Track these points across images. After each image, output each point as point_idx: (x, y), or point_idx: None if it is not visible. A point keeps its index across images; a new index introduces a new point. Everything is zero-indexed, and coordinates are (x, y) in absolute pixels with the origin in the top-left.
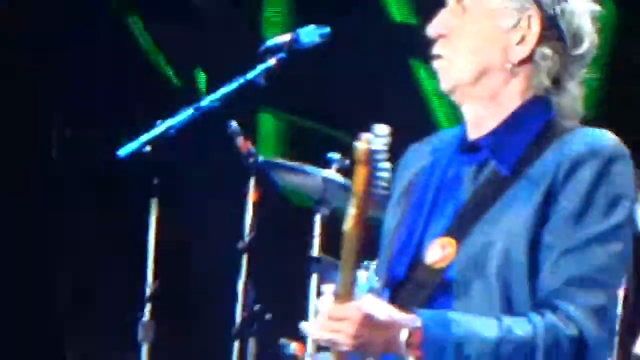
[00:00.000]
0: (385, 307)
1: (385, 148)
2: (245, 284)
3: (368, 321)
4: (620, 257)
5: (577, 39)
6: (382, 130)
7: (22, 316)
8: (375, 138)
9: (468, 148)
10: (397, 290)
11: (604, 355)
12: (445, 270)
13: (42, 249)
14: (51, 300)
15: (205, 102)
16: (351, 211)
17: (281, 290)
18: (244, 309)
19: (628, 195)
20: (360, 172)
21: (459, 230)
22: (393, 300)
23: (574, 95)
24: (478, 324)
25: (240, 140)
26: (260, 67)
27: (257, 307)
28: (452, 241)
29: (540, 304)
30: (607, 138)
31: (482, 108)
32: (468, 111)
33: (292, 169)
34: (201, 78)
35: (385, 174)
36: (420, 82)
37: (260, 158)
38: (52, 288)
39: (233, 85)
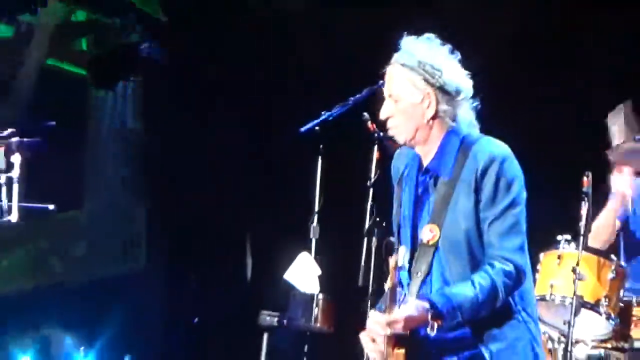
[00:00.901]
0: (411, 305)
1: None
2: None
3: (409, 317)
4: (522, 214)
5: (458, 90)
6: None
7: None
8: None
9: (424, 170)
10: (413, 258)
11: (529, 274)
12: (436, 245)
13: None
14: None
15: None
16: (389, 282)
17: None
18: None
19: (518, 177)
20: (391, 276)
21: (438, 219)
22: (415, 264)
23: (468, 120)
24: (462, 288)
25: (369, 124)
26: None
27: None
28: (435, 226)
29: (489, 257)
30: (498, 146)
31: (422, 147)
32: (417, 150)
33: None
34: None
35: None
36: None
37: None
38: None
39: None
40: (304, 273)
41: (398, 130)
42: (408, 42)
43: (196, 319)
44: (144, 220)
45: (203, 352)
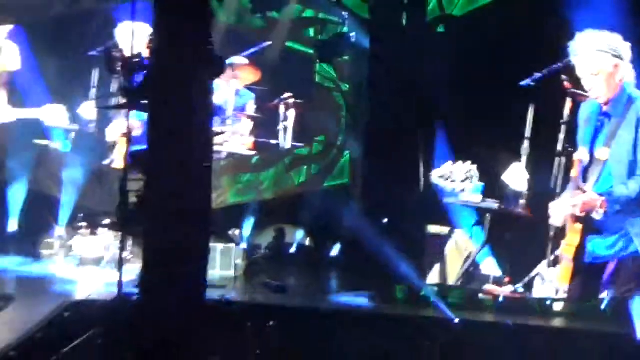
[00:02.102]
0: (588, 195)
1: None
2: None
3: (586, 202)
4: None
5: (628, 61)
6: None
7: None
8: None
9: (603, 113)
10: (589, 167)
11: None
12: (605, 160)
13: None
14: None
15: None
16: (573, 172)
17: None
18: None
19: None
20: (576, 170)
21: (609, 143)
22: (590, 171)
23: (632, 80)
24: (620, 188)
25: (565, 83)
26: None
27: None
28: (607, 148)
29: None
30: None
31: (604, 99)
32: (599, 101)
33: None
34: None
35: None
36: None
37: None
38: None
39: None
40: (516, 177)
41: (598, 93)
42: (593, 35)
43: None
44: None
45: None
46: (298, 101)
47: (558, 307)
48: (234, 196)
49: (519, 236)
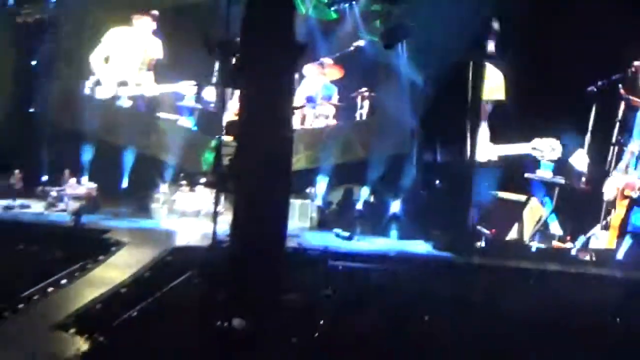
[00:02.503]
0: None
1: None
2: None
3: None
4: None
5: None
6: None
7: None
8: None
9: None
10: None
11: None
12: None
13: None
14: None
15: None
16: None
17: None
18: None
19: None
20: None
21: None
22: None
23: None
24: None
25: (621, 91)
26: None
27: None
28: None
29: None
30: None
31: None
32: None
33: None
34: None
35: None
36: None
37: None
38: None
39: None
40: (579, 160)
41: None
42: None
43: None
44: None
45: None
46: (372, 94)
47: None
48: (310, 161)
49: (579, 206)
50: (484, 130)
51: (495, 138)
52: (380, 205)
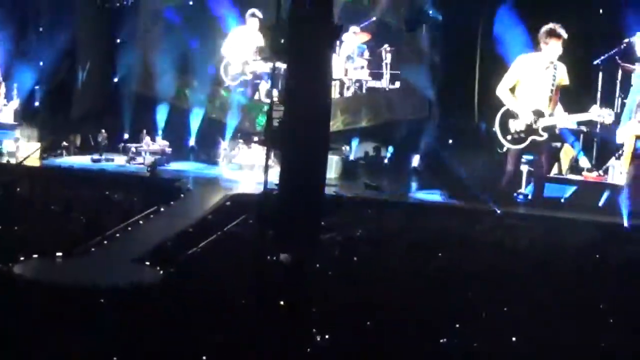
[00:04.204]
0: None
1: None
2: None
3: None
4: None
5: None
6: None
7: None
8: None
9: None
10: None
11: None
12: None
13: None
14: None
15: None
16: None
17: None
18: None
19: None
20: None
21: None
22: None
23: None
24: None
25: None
26: None
27: None
28: None
29: None
30: None
31: None
32: None
33: None
34: None
35: None
36: None
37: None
38: None
39: None
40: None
41: None
42: None
43: None
44: None
45: None
46: (392, 48)
47: None
48: (345, 124)
49: (599, 145)
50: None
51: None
52: (402, 160)
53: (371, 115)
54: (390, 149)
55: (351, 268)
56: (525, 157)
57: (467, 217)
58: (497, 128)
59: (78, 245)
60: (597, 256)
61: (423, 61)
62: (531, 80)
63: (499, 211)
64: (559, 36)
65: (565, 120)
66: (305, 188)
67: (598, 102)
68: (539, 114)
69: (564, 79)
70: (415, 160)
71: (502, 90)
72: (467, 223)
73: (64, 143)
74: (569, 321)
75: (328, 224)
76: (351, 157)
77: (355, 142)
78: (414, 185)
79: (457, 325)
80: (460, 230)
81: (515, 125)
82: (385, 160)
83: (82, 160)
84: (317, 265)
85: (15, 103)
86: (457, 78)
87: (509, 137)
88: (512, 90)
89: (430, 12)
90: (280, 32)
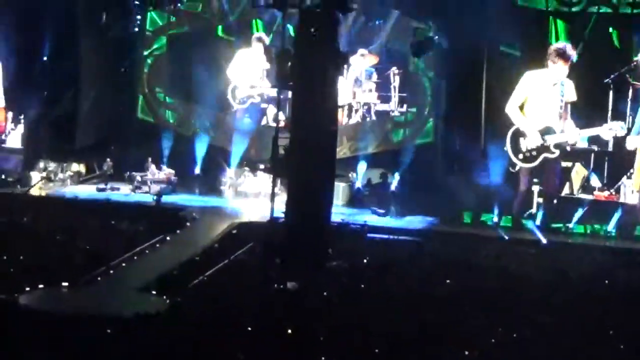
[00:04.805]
0: None
1: None
2: None
3: None
4: None
5: None
6: None
7: None
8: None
9: None
10: None
11: None
12: None
13: None
14: None
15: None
16: None
17: None
18: None
19: None
20: None
21: None
22: None
23: None
24: None
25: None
26: None
27: None
28: None
29: None
30: None
31: None
32: None
33: None
34: None
35: None
36: None
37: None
38: None
39: None
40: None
41: None
42: None
43: None
44: None
45: None
46: (400, 71)
47: None
48: (352, 150)
49: (610, 164)
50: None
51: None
52: (409, 186)
53: (378, 142)
54: (397, 175)
55: (358, 295)
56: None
57: (474, 244)
58: (508, 147)
59: (84, 275)
60: (607, 282)
61: (426, 85)
62: (539, 97)
63: (506, 237)
64: (567, 59)
65: (576, 135)
66: (312, 215)
67: (609, 120)
68: (546, 132)
69: (571, 95)
70: (420, 186)
71: (511, 108)
72: (473, 250)
73: (69, 172)
74: (577, 347)
75: (335, 251)
76: (358, 184)
77: (362, 169)
78: (420, 211)
79: (466, 353)
80: (467, 256)
81: (526, 144)
82: (393, 187)
83: (87, 190)
84: (325, 293)
85: (21, 128)
86: (463, 101)
87: (520, 156)
88: (521, 107)
89: (436, 38)
90: (285, 58)
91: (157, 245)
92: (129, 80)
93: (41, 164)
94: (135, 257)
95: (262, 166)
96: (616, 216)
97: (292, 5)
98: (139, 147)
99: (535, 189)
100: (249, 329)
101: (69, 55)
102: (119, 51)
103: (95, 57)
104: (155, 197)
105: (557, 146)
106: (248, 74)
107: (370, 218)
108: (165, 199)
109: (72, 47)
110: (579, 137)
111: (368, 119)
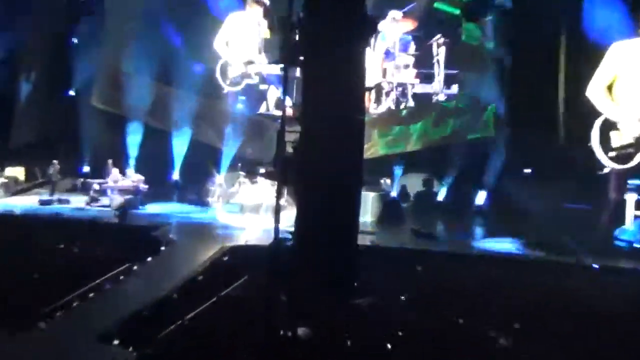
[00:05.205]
0: None
1: None
2: None
3: None
4: None
5: None
6: None
7: None
8: None
9: None
10: None
11: None
12: None
13: None
14: None
15: None
16: None
17: None
18: None
19: None
20: None
21: None
22: None
23: None
24: None
25: None
26: None
27: None
28: None
29: None
30: None
31: None
32: None
33: None
34: None
35: None
36: None
37: None
38: None
39: None
40: None
41: None
42: None
43: None
44: None
45: None
46: (446, 40)
47: None
48: (385, 148)
49: None
50: None
51: None
52: (462, 197)
53: (419, 136)
54: (447, 181)
55: (394, 344)
56: (631, 183)
57: (554, 274)
58: (595, 143)
59: (21, 319)
60: None
61: (487, 63)
62: (633, 75)
63: (596, 266)
64: None
65: None
66: (331, 237)
67: None
68: None
69: None
70: (480, 197)
71: (595, 91)
72: (554, 281)
73: (2, 179)
74: None
75: (363, 285)
76: (394, 194)
77: (399, 173)
78: (479, 231)
79: None
80: (547, 290)
81: (619, 138)
82: (440, 198)
83: (26, 202)
84: (349, 343)
85: None
86: (535, 82)
87: (611, 154)
88: (610, 89)
89: None
90: (294, 26)
91: (121, 277)
92: (82, 54)
93: None
94: (92, 295)
95: (262, 170)
96: None
97: None
98: (96, 145)
99: (632, 197)
100: None
101: (3, 24)
102: (70, 17)
103: (38, 26)
104: (117, 212)
105: None
106: (242, 46)
107: (410, 240)
108: (132, 214)
109: (7, 14)
110: None
111: (404, 105)
